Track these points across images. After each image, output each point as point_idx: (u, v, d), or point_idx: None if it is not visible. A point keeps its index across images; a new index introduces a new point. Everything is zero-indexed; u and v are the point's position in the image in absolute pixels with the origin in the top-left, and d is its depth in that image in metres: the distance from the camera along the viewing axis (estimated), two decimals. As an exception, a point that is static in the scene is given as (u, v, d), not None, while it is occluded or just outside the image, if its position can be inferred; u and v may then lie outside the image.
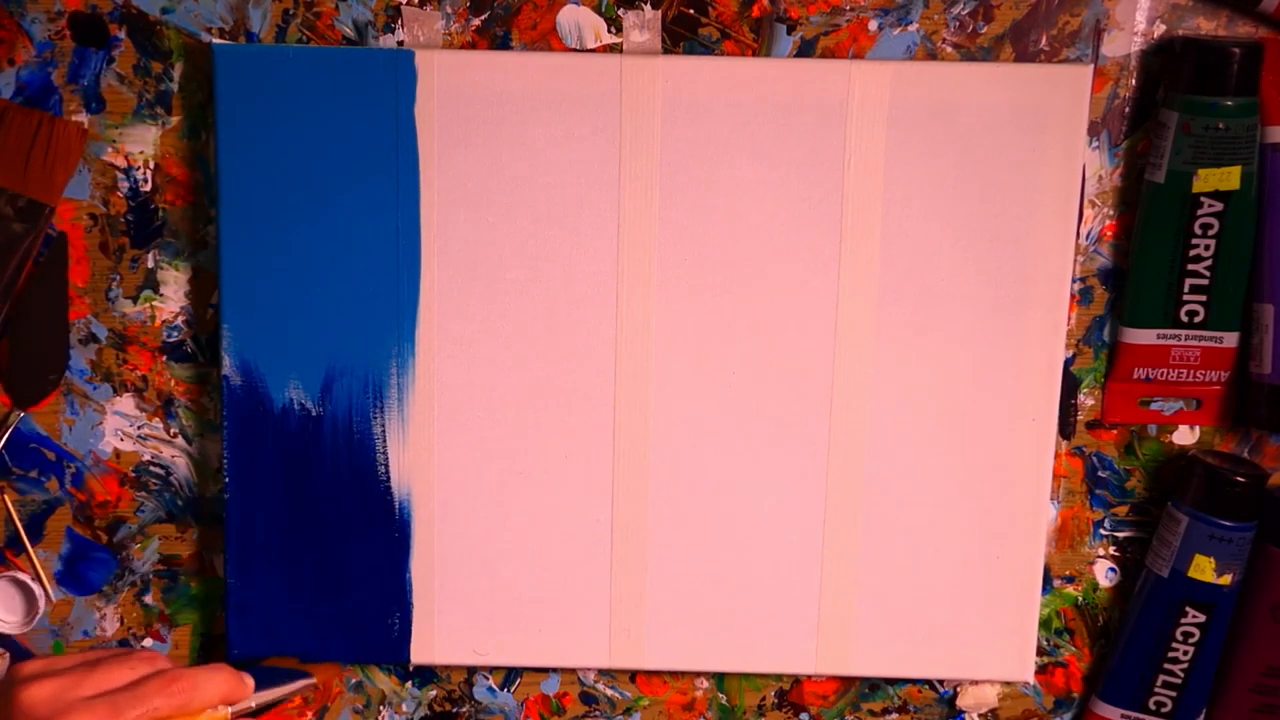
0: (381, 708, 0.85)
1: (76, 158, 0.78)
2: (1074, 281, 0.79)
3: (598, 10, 0.77)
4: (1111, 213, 0.79)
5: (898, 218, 0.77)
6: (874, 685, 0.85)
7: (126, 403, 0.81)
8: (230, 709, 0.70)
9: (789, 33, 0.77)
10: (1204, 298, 0.77)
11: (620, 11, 0.77)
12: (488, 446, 0.80)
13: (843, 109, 0.76)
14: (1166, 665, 0.80)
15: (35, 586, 0.82)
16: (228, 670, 0.71)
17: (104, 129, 0.78)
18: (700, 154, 0.77)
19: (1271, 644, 0.80)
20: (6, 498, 0.82)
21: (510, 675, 0.85)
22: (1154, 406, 0.81)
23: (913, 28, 0.77)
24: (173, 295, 0.80)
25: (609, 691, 0.85)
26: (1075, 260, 0.79)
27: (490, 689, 0.85)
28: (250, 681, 0.72)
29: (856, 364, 0.79)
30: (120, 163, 0.79)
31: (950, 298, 0.78)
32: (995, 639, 0.82)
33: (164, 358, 0.81)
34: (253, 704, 0.72)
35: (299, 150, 0.77)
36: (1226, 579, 0.78)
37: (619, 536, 0.81)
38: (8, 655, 0.84)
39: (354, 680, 0.85)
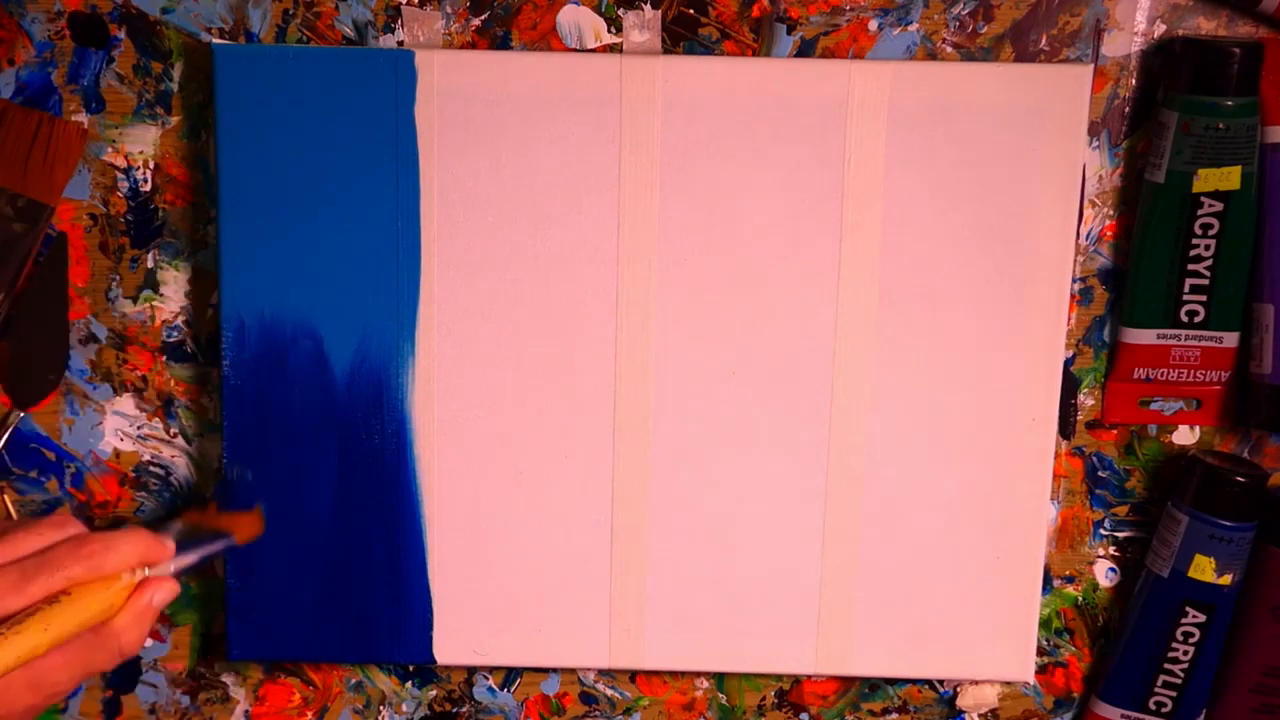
0: (381, 708, 0.85)
1: (76, 158, 0.78)
2: (1074, 281, 0.79)
3: (598, 10, 0.77)
4: (1111, 213, 0.79)
5: (898, 218, 0.77)
6: (874, 685, 0.85)
7: (126, 403, 0.81)
8: (147, 571, 0.67)
9: (789, 33, 0.77)
10: (1204, 298, 0.77)
11: (620, 11, 0.77)
12: (488, 446, 0.80)
13: (843, 109, 0.76)
14: (1166, 665, 0.80)
15: None
16: (144, 532, 0.68)
17: (104, 129, 0.78)
18: (700, 154, 0.77)
19: (1271, 644, 0.80)
20: (6, 497, 0.82)
21: (510, 675, 0.85)
22: (1154, 406, 0.81)
23: (913, 28, 0.77)
24: (173, 295, 0.80)
25: (609, 691, 0.85)
26: (1075, 260, 0.79)
27: (490, 689, 0.85)
28: (170, 544, 0.69)
29: (856, 364, 0.79)
30: (120, 163, 0.79)
31: (950, 298, 0.78)
32: (995, 639, 0.82)
33: (164, 358, 0.81)
34: (171, 567, 0.69)
35: (299, 150, 0.77)
36: (1226, 579, 0.78)
37: (619, 536, 0.81)
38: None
39: (354, 680, 0.85)
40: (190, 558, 0.71)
